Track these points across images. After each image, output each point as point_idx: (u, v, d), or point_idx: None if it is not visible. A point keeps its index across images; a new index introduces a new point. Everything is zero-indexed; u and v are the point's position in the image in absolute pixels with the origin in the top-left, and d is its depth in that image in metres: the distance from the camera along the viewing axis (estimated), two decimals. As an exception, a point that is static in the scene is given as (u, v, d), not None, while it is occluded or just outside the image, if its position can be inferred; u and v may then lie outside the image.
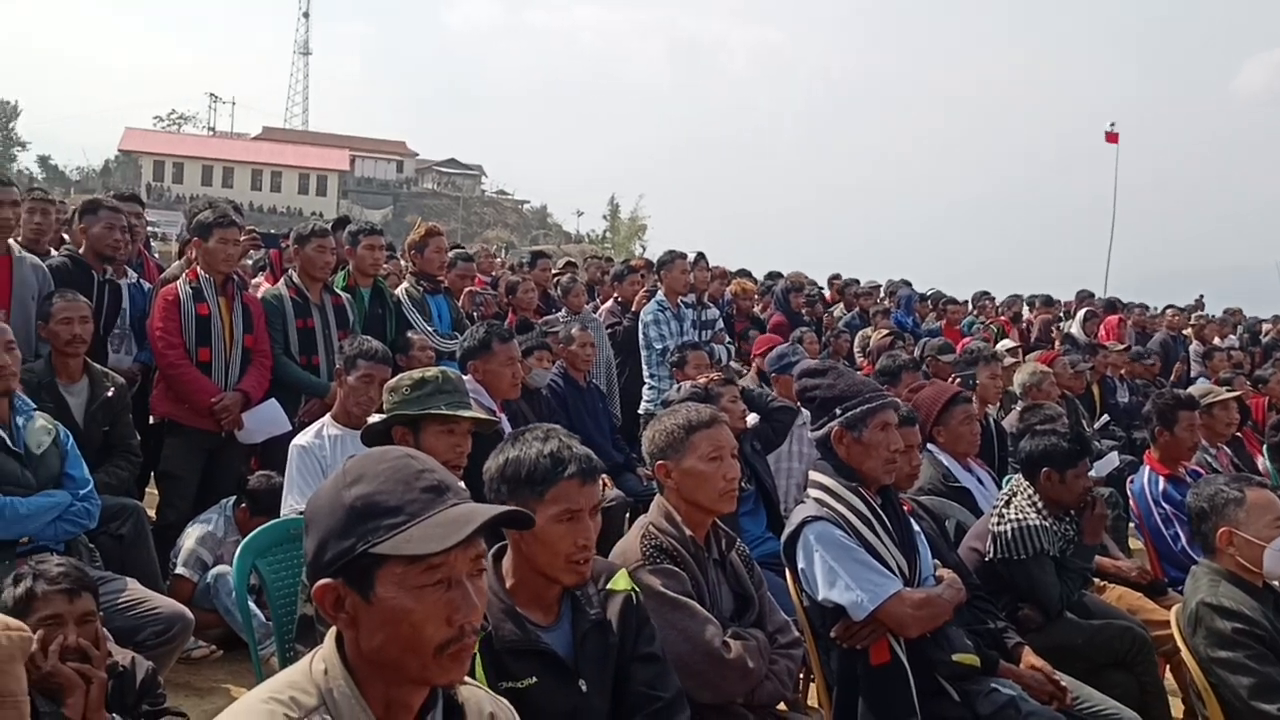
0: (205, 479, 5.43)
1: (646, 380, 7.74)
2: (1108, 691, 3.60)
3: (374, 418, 3.71)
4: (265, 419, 5.39)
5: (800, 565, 3.29)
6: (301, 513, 3.58)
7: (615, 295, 9.19)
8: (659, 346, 7.61)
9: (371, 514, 1.52)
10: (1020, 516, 4.13)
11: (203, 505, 5.29)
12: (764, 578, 3.27)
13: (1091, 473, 4.55)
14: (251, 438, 5.44)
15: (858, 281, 13.10)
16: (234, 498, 5.17)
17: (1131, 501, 5.39)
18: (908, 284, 13.61)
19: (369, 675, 1.54)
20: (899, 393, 5.40)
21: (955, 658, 3.27)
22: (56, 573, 2.91)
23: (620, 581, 2.66)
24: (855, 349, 10.09)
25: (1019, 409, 6.46)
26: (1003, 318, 13.32)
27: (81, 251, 5.66)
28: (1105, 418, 9.09)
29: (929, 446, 4.80)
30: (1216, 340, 13.10)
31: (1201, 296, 17.83)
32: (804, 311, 10.55)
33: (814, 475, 3.42)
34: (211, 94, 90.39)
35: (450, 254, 7.56)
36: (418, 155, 79.96)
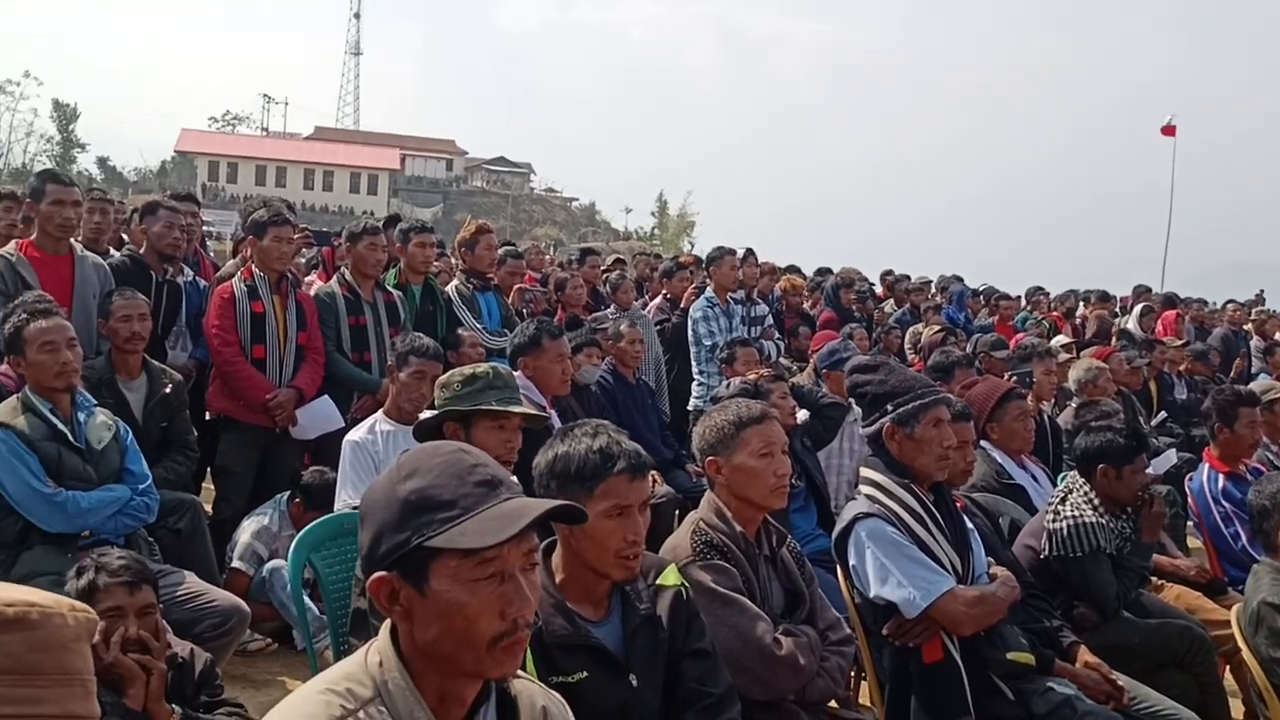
0: (260, 474, 5.51)
1: (695, 377, 7.74)
2: (1166, 692, 3.54)
3: (426, 414, 3.74)
4: (319, 415, 5.46)
5: (851, 562, 3.27)
6: (355, 507, 3.62)
7: (664, 292, 9.19)
8: (708, 343, 7.60)
9: (426, 508, 1.53)
10: (1076, 513, 4.07)
11: (258, 500, 5.37)
12: (814, 574, 3.25)
13: (1149, 470, 4.47)
14: (305, 434, 5.50)
15: (908, 277, 13.00)
16: (288, 493, 5.23)
17: (1190, 499, 5.31)
18: (959, 279, 13.46)
19: (423, 668, 1.55)
20: (952, 389, 5.35)
21: (1010, 656, 3.24)
22: (118, 565, 2.96)
23: (670, 577, 2.66)
24: (906, 345, 10.01)
25: (1074, 405, 6.37)
26: (1055, 313, 13.14)
27: (142, 251, 5.79)
28: (1162, 414, 8.95)
29: (982, 443, 4.75)
30: (1278, 335, 12.84)
31: (1262, 291, 17.48)
32: (854, 308, 10.49)
33: (865, 471, 3.40)
34: (265, 95, 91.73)
35: (500, 251, 7.60)
36: (467, 154, 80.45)
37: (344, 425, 5.17)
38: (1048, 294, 14.19)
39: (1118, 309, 14.55)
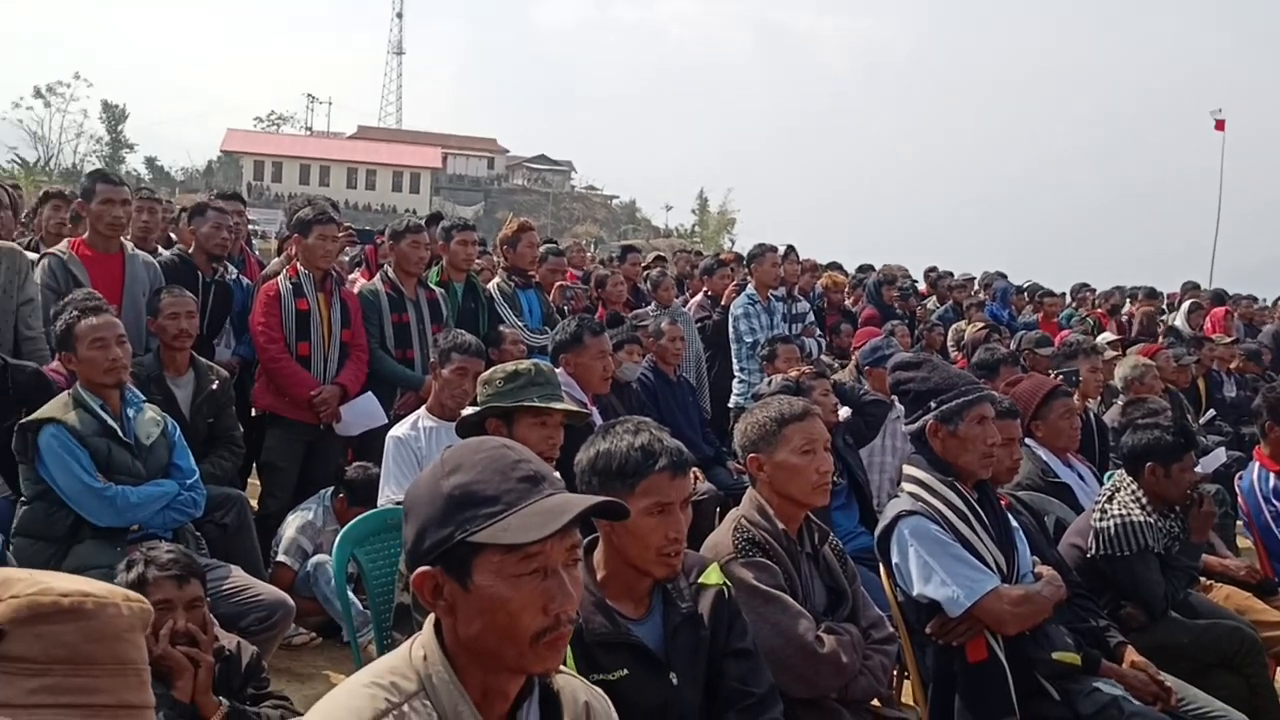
0: (305, 470, 5.56)
1: (736, 374, 7.72)
2: (1214, 693, 3.49)
3: (468, 410, 3.75)
4: (362, 412, 5.50)
5: (894, 560, 3.25)
6: (398, 503, 3.66)
7: (705, 289, 9.17)
8: (749, 340, 7.59)
9: (469, 503, 1.53)
10: (1124, 512, 4.02)
11: (302, 495, 5.43)
12: (857, 572, 3.24)
13: (1197, 469, 4.40)
14: (349, 430, 5.55)
15: (951, 274, 12.88)
16: (332, 488, 5.28)
17: (1240, 499, 5.22)
18: (1003, 276, 13.32)
19: (467, 662, 1.56)
20: (997, 387, 5.30)
21: (1055, 656, 3.21)
22: (167, 559, 3.00)
23: (712, 576, 2.65)
24: (949, 342, 9.93)
25: (1121, 403, 6.29)
26: (1100, 310, 12.98)
27: (191, 251, 5.87)
28: (1211, 413, 8.81)
29: (1027, 441, 4.70)
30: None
31: (1314, 287, 17.16)
32: (897, 305, 10.41)
33: (909, 469, 3.38)
34: (309, 94, 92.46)
35: (541, 249, 7.62)
36: (508, 152, 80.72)
37: (387, 422, 5.21)
38: (1093, 290, 14.03)
39: (1165, 306, 14.34)
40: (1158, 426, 4.28)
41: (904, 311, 10.44)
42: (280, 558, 5.05)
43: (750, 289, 7.96)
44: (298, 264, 5.61)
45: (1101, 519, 4.04)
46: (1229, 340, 10.40)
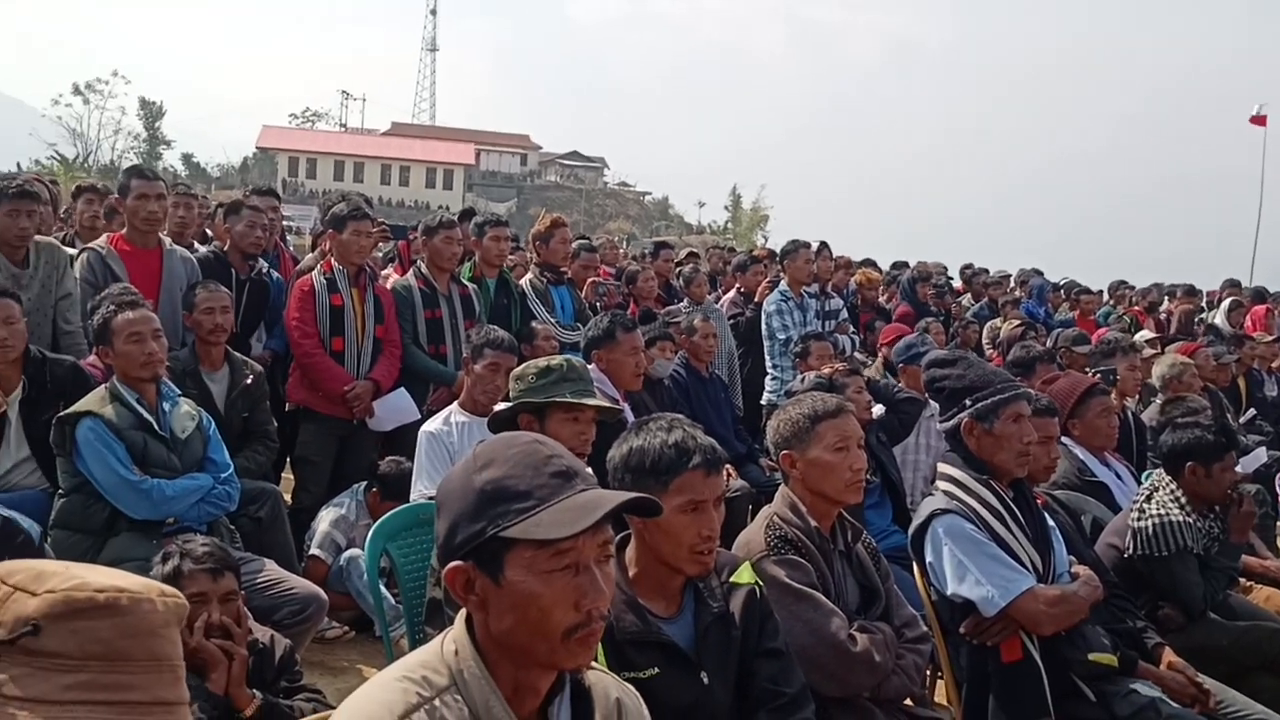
0: (338, 464, 5.60)
1: (769, 371, 7.69)
2: (1254, 696, 3.44)
3: (500, 405, 3.75)
4: (395, 408, 5.52)
5: (928, 559, 3.22)
6: (430, 498, 3.67)
7: (738, 286, 9.14)
8: (782, 337, 7.56)
9: (501, 498, 1.53)
10: (1163, 512, 3.96)
11: (335, 490, 5.46)
12: (890, 570, 3.21)
13: (1238, 468, 4.34)
14: (382, 425, 5.57)
15: (987, 271, 12.78)
16: (365, 483, 5.31)
17: (1281, 499, 5.15)
18: (1039, 273, 13.20)
19: (498, 657, 1.56)
20: (1033, 384, 5.24)
21: (1092, 657, 3.17)
22: (202, 552, 3.02)
23: (744, 575, 2.64)
24: (984, 340, 9.85)
25: (1159, 402, 6.21)
26: (1137, 308, 12.83)
27: (226, 249, 5.91)
28: (1251, 412, 8.67)
29: (1064, 439, 4.65)
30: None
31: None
32: (931, 302, 10.34)
33: (943, 467, 3.35)
34: (343, 91, 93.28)
35: (574, 245, 7.62)
36: (541, 148, 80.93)
37: (419, 417, 5.22)
38: (1131, 288, 13.86)
39: (1204, 303, 14.16)
40: (1198, 425, 4.22)
41: (939, 309, 10.37)
42: (314, 551, 5.08)
43: (783, 286, 7.92)
44: (332, 259, 5.63)
45: (1139, 518, 3.99)
46: (1270, 339, 10.25)
